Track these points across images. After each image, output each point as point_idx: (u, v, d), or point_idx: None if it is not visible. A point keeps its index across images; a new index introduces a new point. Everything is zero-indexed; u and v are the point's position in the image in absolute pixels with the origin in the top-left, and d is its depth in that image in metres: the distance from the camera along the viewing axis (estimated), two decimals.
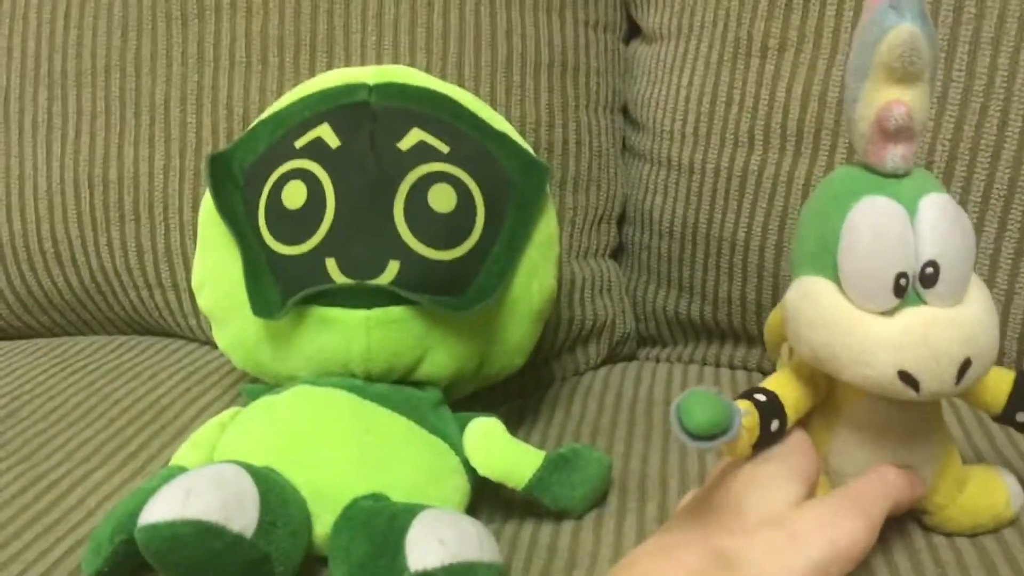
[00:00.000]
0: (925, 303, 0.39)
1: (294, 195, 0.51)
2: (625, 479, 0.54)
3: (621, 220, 0.76)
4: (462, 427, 0.51)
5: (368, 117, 0.52)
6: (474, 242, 0.51)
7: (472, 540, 0.43)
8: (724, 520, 0.39)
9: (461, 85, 0.67)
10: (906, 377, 0.38)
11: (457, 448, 0.50)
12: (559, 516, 0.50)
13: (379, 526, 0.43)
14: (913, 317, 0.39)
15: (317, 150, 0.52)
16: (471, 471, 0.49)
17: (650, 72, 0.72)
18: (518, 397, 0.66)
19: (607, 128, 0.74)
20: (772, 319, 0.51)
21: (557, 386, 0.68)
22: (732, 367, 0.70)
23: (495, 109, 0.67)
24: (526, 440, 0.58)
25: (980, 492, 0.46)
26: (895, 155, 0.39)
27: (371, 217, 0.50)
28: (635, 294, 0.75)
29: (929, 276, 0.39)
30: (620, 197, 0.75)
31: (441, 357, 0.51)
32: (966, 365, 0.39)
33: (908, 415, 0.43)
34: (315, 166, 0.51)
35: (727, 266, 0.67)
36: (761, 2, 0.63)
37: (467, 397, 0.57)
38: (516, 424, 0.62)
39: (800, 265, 0.42)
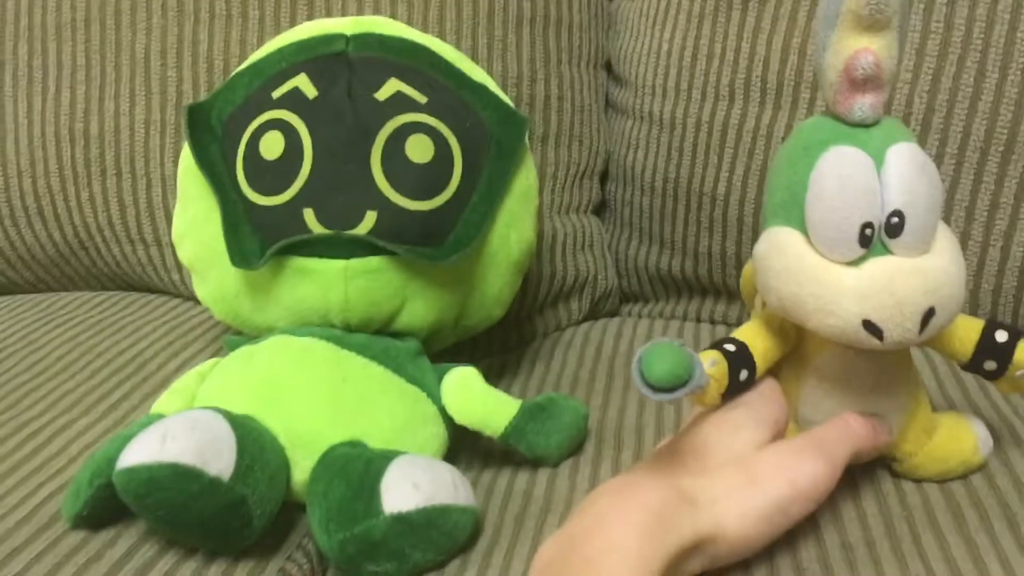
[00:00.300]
0: (891, 253, 0.39)
1: (272, 145, 0.51)
2: (602, 429, 0.54)
3: (604, 176, 0.76)
4: (440, 377, 0.51)
5: (345, 67, 0.52)
6: (452, 192, 0.51)
7: (447, 484, 0.43)
8: (688, 461, 0.40)
9: (442, 39, 0.66)
10: (870, 326, 0.39)
11: (435, 397, 0.50)
12: (536, 464, 0.51)
13: (355, 471, 0.43)
14: (878, 267, 0.39)
15: (294, 100, 0.52)
16: (448, 420, 0.50)
17: (632, 27, 0.72)
18: (500, 352, 0.67)
19: (590, 83, 0.74)
20: (747, 270, 0.51)
21: (539, 341, 0.69)
22: (713, 322, 0.71)
23: (477, 63, 0.67)
24: (506, 393, 0.59)
25: (948, 438, 0.46)
26: (863, 104, 0.39)
27: (349, 167, 0.50)
28: (617, 250, 0.75)
29: (895, 226, 0.39)
30: (603, 153, 0.75)
31: (420, 307, 0.52)
32: (929, 314, 0.39)
33: (875, 364, 0.43)
34: (292, 116, 0.51)
35: (708, 221, 0.67)
36: None
37: (449, 351, 0.57)
38: (497, 377, 0.62)
39: (770, 216, 0.43)
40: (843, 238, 0.39)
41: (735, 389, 0.42)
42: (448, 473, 0.44)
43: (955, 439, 0.47)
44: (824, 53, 0.40)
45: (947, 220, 0.58)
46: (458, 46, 0.67)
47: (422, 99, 0.52)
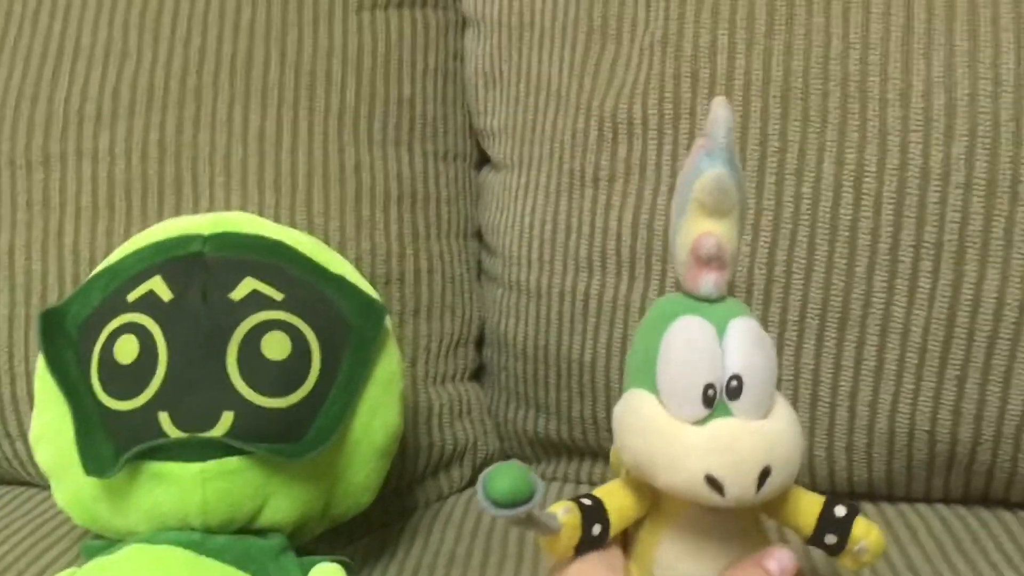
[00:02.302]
0: (732, 415, 0.42)
1: (126, 350, 0.51)
2: None
3: (480, 342, 0.78)
4: (306, 573, 0.50)
5: (201, 269, 0.53)
6: (310, 387, 0.52)
7: None
8: None
9: (310, 222, 0.68)
10: (712, 481, 0.41)
11: None
12: None
13: None
14: (720, 425, 0.42)
15: (149, 303, 0.52)
16: None
17: (498, 198, 0.75)
18: (380, 527, 0.66)
19: (460, 254, 0.76)
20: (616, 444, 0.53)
21: (420, 513, 0.69)
22: (592, 483, 0.72)
23: (344, 244, 0.68)
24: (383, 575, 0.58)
25: None
26: (708, 280, 0.43)
27: (204, 369, 0.50)
28: (497, 413, 0.76)
29: (734, 388, 0.42)
30: (477, 320, 0.76)
31: (283, 503, 0.51)
32: (766, 472, 0.41)
33: (727, 528, 0.45)
34: (147, 320, 0.51)
35: (578, 386, 0.69)
36: (591, 136, 0.67)
37: (327, 532, 0.57)
38: (376, 557, 0.62)
39: (629, 380, 0.45)
40: (688, 397, 0.42)
41: (587, 543, 0.44)
42: None
43: None
44: (676, 236, 0.44)
45: (796, 383, 0.61)
46: (325, 228, 0.68)
47: (278, 296, 0.53)
